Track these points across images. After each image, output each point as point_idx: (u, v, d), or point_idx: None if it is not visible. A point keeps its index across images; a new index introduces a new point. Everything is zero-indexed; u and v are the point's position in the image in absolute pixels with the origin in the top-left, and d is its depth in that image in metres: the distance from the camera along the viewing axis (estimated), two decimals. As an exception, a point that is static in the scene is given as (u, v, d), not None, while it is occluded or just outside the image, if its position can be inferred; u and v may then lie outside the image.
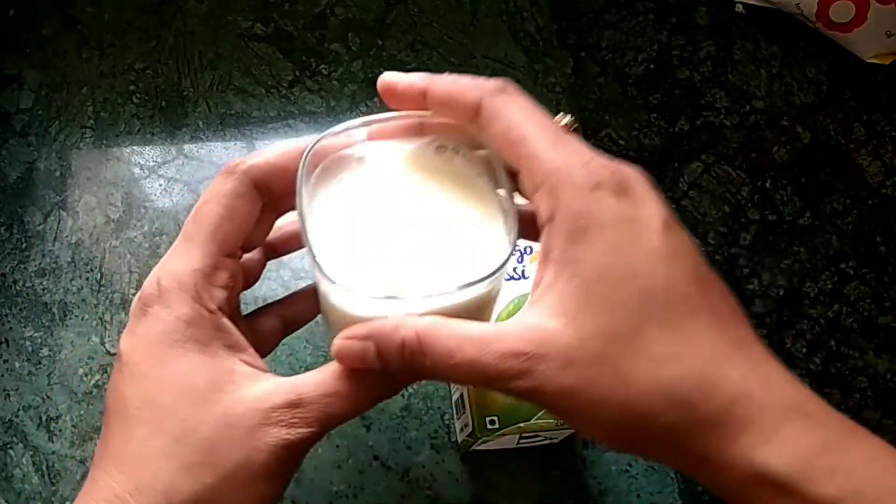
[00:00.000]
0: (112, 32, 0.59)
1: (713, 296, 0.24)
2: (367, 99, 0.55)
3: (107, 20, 0.59)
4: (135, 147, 0.55)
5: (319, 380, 0.26)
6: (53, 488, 0.45)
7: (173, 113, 0.56)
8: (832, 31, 0.53)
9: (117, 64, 0.58)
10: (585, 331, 0.23)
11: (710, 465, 0.23)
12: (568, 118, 0.28)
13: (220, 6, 0.59)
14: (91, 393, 0.47)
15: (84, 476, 0.46)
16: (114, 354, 0.48)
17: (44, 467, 0.45)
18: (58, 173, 0.54)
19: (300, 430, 0.25)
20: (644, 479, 0.44)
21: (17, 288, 0.50)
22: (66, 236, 0.52)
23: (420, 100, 0.28)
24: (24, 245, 0.52)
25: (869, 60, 0.54)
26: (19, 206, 0.53)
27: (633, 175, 0.25)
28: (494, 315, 0.31)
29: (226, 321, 0.28)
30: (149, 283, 0.29)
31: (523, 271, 0.38)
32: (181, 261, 0.29)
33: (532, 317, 0.24)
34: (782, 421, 0.22)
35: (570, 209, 0.24)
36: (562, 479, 0.44)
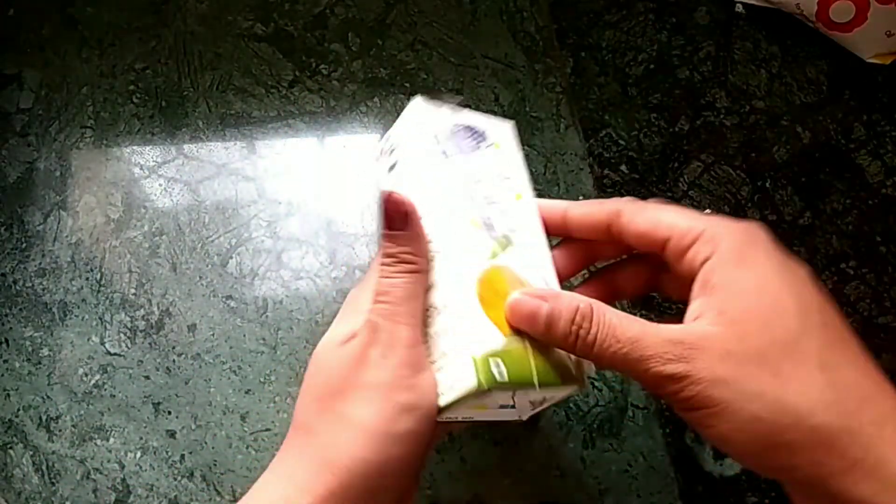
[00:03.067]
0: (112, 32, 0.59)
1: (847, 324, 0.27)
2: (366, 99, 0.55)
3: (107, 20, 0.59)
4: (135, 147, 0.55)
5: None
6: (53, 488, 0.45)
7: (173, 113, 0.56)
8: (832, 31, 0.53)
9: (117, 64, 0.58)
10: (746, 331, 0.26)
11: (861, 473, 0.24)
12: (709, 211, 0.35)
13: (220, 6, 0.59)
14: (91, 393, 0.47)
15: (84, 476, 0.46)
16: (114, 354, 0.49)
17: (44, 467, 0.45)
18: (58, 173, 0.54)
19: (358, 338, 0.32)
20: (644, 479, 0.44)
21: (17, 288, 0.50)
22: (66, 236, 0.52)
23: (561, 222, 0.34)
24: (24, 245, 0.52)
25: (869, 60, 0.53)
26: (19, 206, 0.53)
27: (757, 228, 0.30)
28: (472, 289, 0.31)
29: None
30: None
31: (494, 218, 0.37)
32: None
33: (690, 325, 0.28)
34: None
35: (732, 245, 0.28)
36: (562, 478, 0.44)
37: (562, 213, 0.34)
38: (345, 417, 0.29)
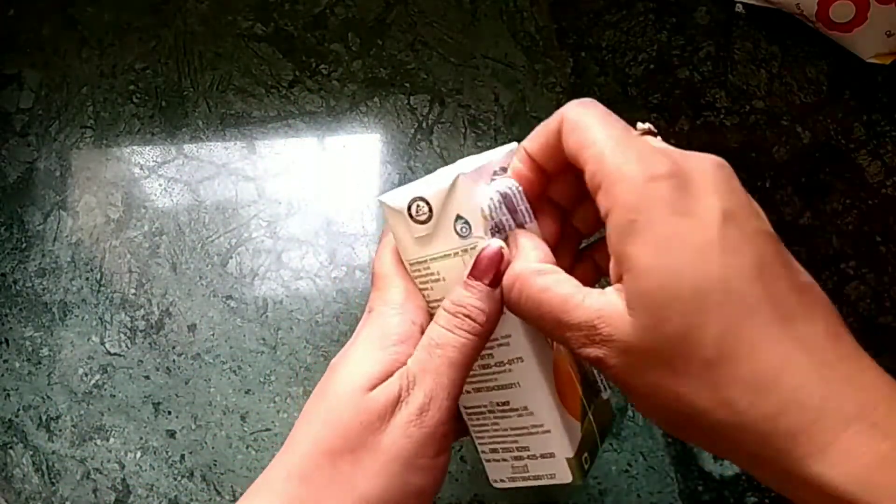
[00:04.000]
0: (112, 32, 0.59)
1: (779, 290, 0.23)
2: (366, 99, 0.55)
3: (107, 20, 0.59)
4: (135, 147, 0.55)
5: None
6: (53, 488, 0.45)
7: (173, 113, 0.56)
8: (832, 31, 0.53)
9: (117, 64, 0.58)
10: (642, 324, 0.24)
11: (767, 468, 0.23)
12: (646, 125, 0.28)
13: (220, 6, 0.59)
14: (91, 393, 0.47)
15: (84, 476, 0.46)
16: (114, 354, 0.49)
17: (44, 467, 0.45)
18: (58, 173, 0.54)
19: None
20: (644, 479, 0.44)
21: (17, 288, 0.50)
22: (66, 236, 0.52)
23: (534, 166, 0.30)
24: (24, 245, 0.52)
25: (869, 60, 0.53)
26: (19, 206, 0.53)
27: (700, 166, 0.25)
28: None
29: None
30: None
31: None
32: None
33: (611, 296, 0.25)
34: (839, 431, 0.21)
35: (622, 204, 0.24)
36: (562, 479, 0.44)
37: (524, 157, 0.30)
38: (349, 487, 0.27)
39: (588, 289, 0.26)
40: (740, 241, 0.24)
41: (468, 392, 0.32)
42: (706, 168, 0.25)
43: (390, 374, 0.29)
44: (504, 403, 0.31)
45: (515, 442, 0.32)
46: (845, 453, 0.21)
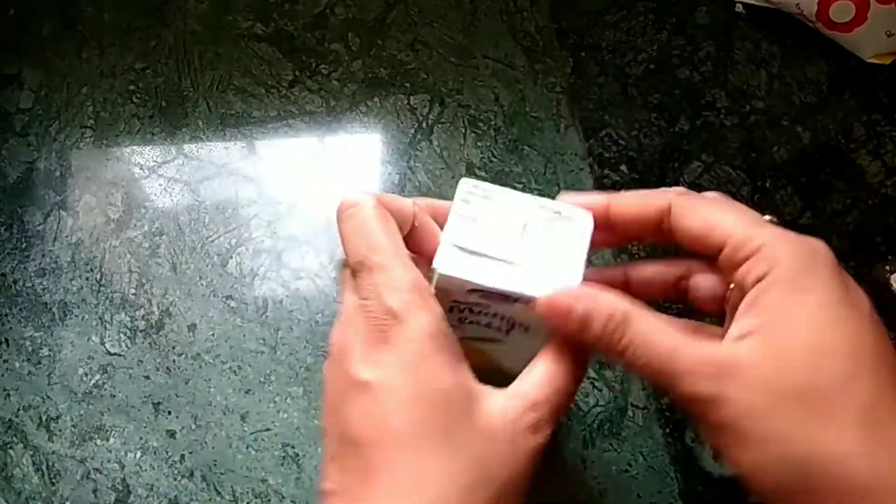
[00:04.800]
0: (112, 32, 0.59)
1: None
2: (366, 99, 0.55)
3: (107, 20, 0.59)
4: (135, 147, 0.55)
5: (540, 381, 0.28)
6: (53, 488, 0.45)
7: (173, 113, 0.56)
8: (832, 31, 0.53)
9: (117, 64, 0.58)
10: (790, 365, 0.24)
11: None
12: (770, 217, 0.30)
13: (220, 6, 0.59)
14: (91, 393, 0.47)
15: (84, 476, 0.46)
16: (114, 354, 0.49)
17: (44, 467, 0.45)
18: (58, 173, 0.54)
19: (545, 432, 0.27)
20: (644, 479, 0.44)
21: (17, 288, 0.50)
22: (66, 236, 0.52)
23: (604, 217, 0.30)
24: (24, 245, 0.52)
25: (869, 60, 0.53)
26: (19, 206, 0.53)
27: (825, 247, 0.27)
28: None
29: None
30: (378, 307, 0.27)
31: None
32: (403, 276, 0.27)
33: (729, 346, 0.25)
34: None
35: (790, 266, 0.25)
36: (562, 478, 0.44)
37: (604, 207, 0.30)
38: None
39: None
40: (877, 322, 0.26)
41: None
42: (826, 252, 0.27)
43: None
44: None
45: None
46: None
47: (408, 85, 0.56)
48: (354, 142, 0.54)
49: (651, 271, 0.31)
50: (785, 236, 0.26)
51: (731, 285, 0.28)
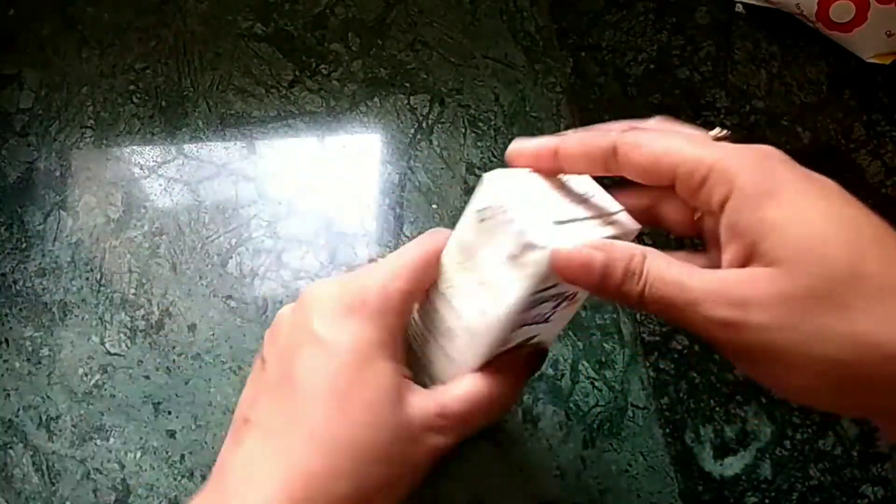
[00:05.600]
0: (112, 32, 0.59)
1: None
2: (366, 99, 0.55)
3: (107, 20, 0.59)
4: (135, 147, 0.55)
5: (460, 393, 0.31)
6: (53, 488, 0.45)
7: (173, 113, 0.56)
8: (832, 31, 0.53)
9: (117, 64, 0.58)
10: (798, 269, 0.23)
11: None
12: (719, 131, 0.29)
13: (220, 6, 0.59)
14: (91, 393, 0.47)
15: (84, 476, 0.46)
16: (114, 354, 0.49)
17: (44, 467, 0.45)
18: (58, 173, 0.54)
19: (445, 439, 0.30)
20: (644, 479, 0.44)
21: (17, 288, 0.50)
22: (66, 236, 0.52)
23: (552, 159, 0.30)
24: (24, 245, 0.52)
25: (869, 60, 0.53)
26: (19, 206, 0.53)
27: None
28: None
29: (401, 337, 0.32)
30: (361, 289, 0.31)
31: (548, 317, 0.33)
32: (394, 281, 0.31)
33: (736, 270, 0.25)
34: None
35: (747, 180, 0.25)
36: (562, 479, 0.44)
37: (552, 150, 0.30)
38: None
39: None
40: (849, 196, 0.25)
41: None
42: (777, 152, 0.27)
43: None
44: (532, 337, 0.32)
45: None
46: None
47: (408, 85, 0.56)
48: (354, 142, 0.54)
49: (576, 145, 0.30)
50: (730, 151, 0.26)
51: (697, 212, 0.29)
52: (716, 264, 0.27)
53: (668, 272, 0.26)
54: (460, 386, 0.31)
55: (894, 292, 0.22)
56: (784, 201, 0.24)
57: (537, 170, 0.31)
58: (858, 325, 0.22)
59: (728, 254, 0.26)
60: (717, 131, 0.29)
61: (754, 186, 0.25)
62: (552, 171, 0.31)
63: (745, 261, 0.25)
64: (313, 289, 0.31)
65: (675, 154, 0.27)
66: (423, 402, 0.30)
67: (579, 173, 0.31)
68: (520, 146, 0.31)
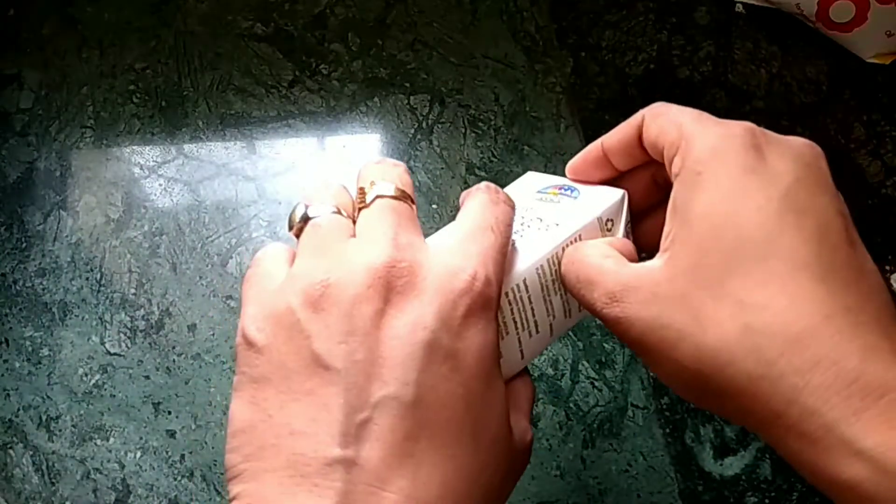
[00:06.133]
0: (112, 32, 0.59)
1: (835, 259, 0.22)
2: (366, 99, 0.55)
3: (107, 20, 0.59)
4: (135, 147, 0.55)
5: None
6: (53, 488, 0.45)
7: (173, 113, 0.56)
8: (832, 31, 0.53)
9: (117, 64, 0.58)
10: (675, 269, 0.23)
11: (790, 431, 0.21)
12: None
13: (220, 6, 0.59)
14: (91, 393, 0.47)
15: (84, 476, 0.46)
16: (114, 354, 0.49)
17: (44, 467, 0.45)
18: (58, 173, 0.54)
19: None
20: (644, 479, 0.44)
21: (17, 288, 0.50)
22: (66, 236, 0.52)
23: (605, 160, 0.30)
24: (24, 245, 0.52)
25: (869, 60, 0.53)
26: (19, 206, 0.53)
27: (787, 138, 0.24)
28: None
29: None
30: (481, 281, 0.24)
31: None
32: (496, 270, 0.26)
33: (644, 263, 0.25)
34: (877, 398, 0.20)
35: (693, 160, 0.24)
36: (562, 479, 0.44)
37: (598, 147, 0.29)
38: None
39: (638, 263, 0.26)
40: (807, 205, 0.23)
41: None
42: (792, 141, 0.25)
43: None
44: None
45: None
46: (884, 420, 0.20)
47: (408, 85, 0.56)
48: (354, 142, 0.54)
49: (616, 131, 0.29)
50: (705, 124, 0.25)
51: None
52: None
53: (584, 267, 0.26)
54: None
55: (743, 310, 0.22)
56: (708, 193, 0.23)
57: (593, 174, 0.31)
58: (706, 339, 0.22)
59: (663, 237, 0.25)
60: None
61: (693, 168, 0.24)
62: (605, 169, 0.30)
63: (665, 240, 0.24)
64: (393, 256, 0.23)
65: (669, 128, 0.25)
66: (521, 428, 0.27)
67: (624, 162, 0.29)
68: (573, 161, 0.31)
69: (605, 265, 0.25)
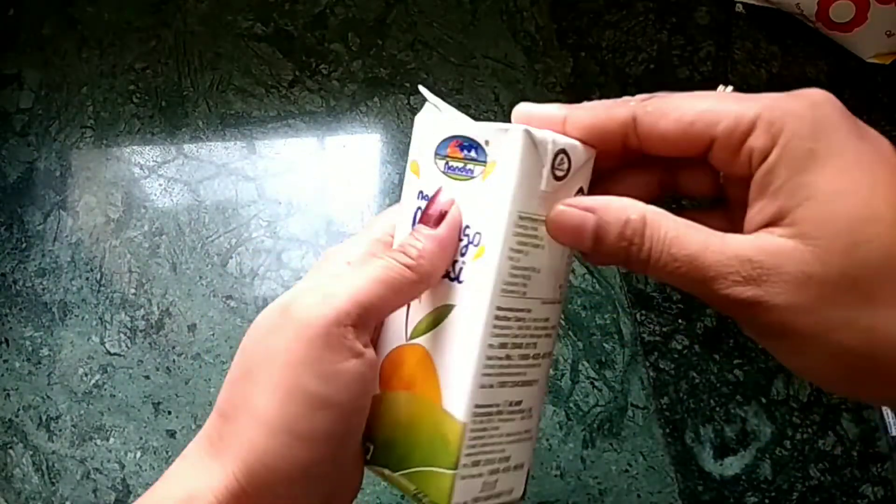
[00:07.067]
0: (112, 32, 0.59)
1: None
2: (366, 99, 0.55)
3: (107, 20, 0.59)
4: (135, 147, 0.55)
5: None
6: (53, 488, 0.45)
7: (173, 113, 0.56)
8: (832, 31, 0.53)
9: (117, 64, 0.58)
10: (830, 247, 0.21)
11: None
12: (729, 88, 0.26)
13: (220, 6, 0.59)
14: (91, 393, 0.47)
15: (84, 476, 0.46)
16: (114, 354, 0.49)
17: (44, 467, 0.45)
18: (58, 173, 0.54)
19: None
20: (644, 479, 0.44)
21: (17, 288, 0.50)
22: (66, 236, 0.52)
23: (560, 128, 0.27)
24: (24, 245, 0.52)
25: (869, 60, 0.53)
26: (19, 206, 0.53)
27: (826, 96, 0.23)
28: (411, 323, 0.27)
29: None
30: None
31: (460, 271, 0.26)
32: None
33: (761, 238, 0.23)
34: None
35: (796, 134, 0.22)
36: (562, 479, 0.44)
37: (559, 124, 0.26)
38: (248, 407, 0.24)
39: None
40: None
41: (491, 387, 0.27)
42: (833, 104, 0.23)
43: None
44: (517, 403, 0.28)
45: (503, 451, 0.28)
46: None
47: (408, 85, 0.56)
48: (354, 142, 0.54)
49: (589, 120, 0.27)
50: (779, 100, 0.23)
51: (722, 175, 0.26)
52: (734, 225, 0.24)
53: (677, 243, 0.23)
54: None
55: None
56: (831, 167, 0.22)
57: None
58: (879, 320, 0.21)
59: (754, 211, 0.23)
60: (728, 89, 0.26)
61: (800, 143, 0.22)
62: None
63: (772, 221, 0.23)
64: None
65: (710, 114, 0.23)
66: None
67: (591, 146, 0.27)
68: (526, 112, 0.27)
69: (710, 241, 0.23)
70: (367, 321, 0.25)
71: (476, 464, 0.26)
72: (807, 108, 0.22)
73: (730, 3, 0.57)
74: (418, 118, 0.29)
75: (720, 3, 0.57)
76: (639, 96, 0.25)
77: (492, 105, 0.55)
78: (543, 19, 0.58)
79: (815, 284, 0.21)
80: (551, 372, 0.47)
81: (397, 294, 0.26)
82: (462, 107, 0.55)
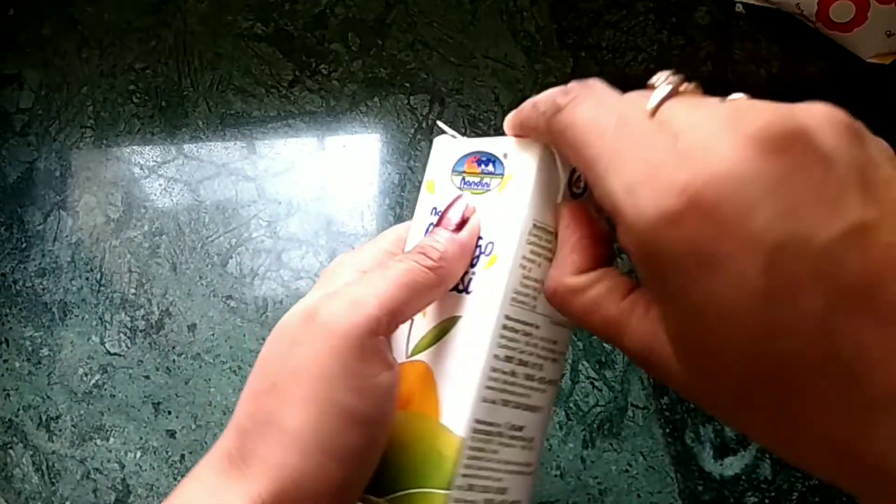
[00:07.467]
0: (112, 32, 0.59)
1: (844, 344, 0.16)
2: (366, 99, 0.55)
3: (107, 20, 0.59)
4: (135, 147, 0.55)
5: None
6: (53, 488, 0.45)
7: (173, 113, 0.56)
8: (832, 31, 0.53)
9: (117, 64, 0.58)
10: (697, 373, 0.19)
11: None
12: (667, 72, 0.20)
13: (220, 6, 0.59)
14: (91, 393, 0.47)
15: (84, 476, 0.46)
16: (114, 354, 0.49)
17: (44, 467, 0.45)
18: (58, 173, 0.54)
19: None
20: (644, 479, 0.44)
21: (17, 288, 0.50)
22: (66, 236, 0.52)
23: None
24: (24, 245, 0.52)
25: (869, 60, 0.53)
26: (19, 206, 0.53)
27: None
28: (413, 338, 0.27)
29: None
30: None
31: (469, 281, 0.26)
32: None
33: (654, 324, 0.20)
34: None
35: (629, 247, 0.18)
36: (562, 479, 0.44)
37: (517, 124, 0.25)
38: (275, 423, 0.22)
39: (632, 302, 0.21)
40: (792, 284, 0.16)
41: (494, 403, 0.25)
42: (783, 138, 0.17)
43: None
44: (518, 428, 0.26)
45: (500, 480, 0.26)
46: None
47: (408, 85, 0.56)
48: (354, 142, 0.54)
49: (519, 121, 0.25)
50: (635, 176, 0.19)
51: None
52: None
53: (599, 311, 0.21)
54: None
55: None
56: (667, 292, 0.19)
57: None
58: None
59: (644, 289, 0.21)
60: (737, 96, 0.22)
61: (635, 258, 0.19)
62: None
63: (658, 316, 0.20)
64: None
65: (593, 166, 0.20)
66: None
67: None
68: (512, 121, 0.25)
69: (616, 328, 0.21)
70: (394, 328, 0.24)
71: (471, 488, 0.25)
72: (651, 208, 0.17)
73: (730, 3, 0.57)
74: (436, 141, 0.29)
75: (720, 3, 0.57)
76: (546, 100, 0.22)
77: (492, 105, 0.55)
78: (543, 19, 0.58)
79: (694, 392, 0.19)
80: (551, 372, 0.47)
81: (420, 298, 0.24)
82: (462, 107, 0.55)
